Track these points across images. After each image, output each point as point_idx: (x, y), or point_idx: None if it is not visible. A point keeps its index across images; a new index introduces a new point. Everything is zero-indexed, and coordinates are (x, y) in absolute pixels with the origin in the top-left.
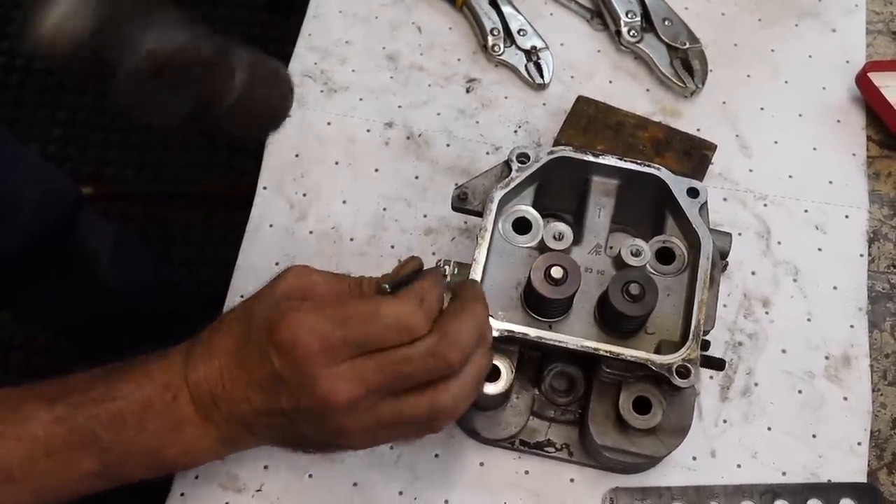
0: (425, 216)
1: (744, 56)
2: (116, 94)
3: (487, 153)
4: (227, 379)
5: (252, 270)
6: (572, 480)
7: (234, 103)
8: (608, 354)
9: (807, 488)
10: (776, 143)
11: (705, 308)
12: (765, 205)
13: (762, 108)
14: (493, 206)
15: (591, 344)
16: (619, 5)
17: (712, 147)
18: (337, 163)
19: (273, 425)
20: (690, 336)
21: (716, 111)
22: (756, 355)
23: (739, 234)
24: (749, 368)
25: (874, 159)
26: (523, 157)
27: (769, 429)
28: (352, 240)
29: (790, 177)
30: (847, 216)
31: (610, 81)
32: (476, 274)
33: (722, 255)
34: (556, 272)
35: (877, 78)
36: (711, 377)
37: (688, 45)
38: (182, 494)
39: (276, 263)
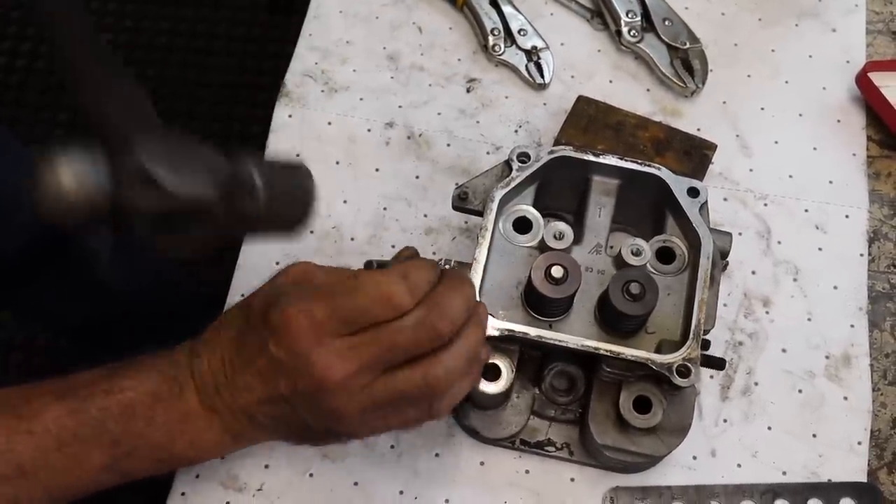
0: (426, 216)
1: (744, 56)
2: (139, 237)
3: (488, 153)
4: (229, 369)
5: (253, 270)
6: (573, 480)
7: (260, 219)
8: (608, 354)
9: (807, 488)
10: (776, 142)
11: (705, 307)
12: (765, 204)
13: (762, 108)
14: (494, 206)
15: (592, 343)
16: (620, 5)
17: (712, 147)
18: (338, 162)
19: (275, 415)
20: (691, 335)
21: (716, 111)
22: (756, 355)
23: (740, 234)
24: (749, 368)
25: (874, 159)
26: (524, 157)
27: (769, 428)
28: (352, 239)
29: (790, 176)
30: (847, 216)
31: (610, 81)
32: (477, 273)
33: (722, 255)
34: (557, 271)
35: (877, 78)
36: (712, 376)
37: (688, 45)
38: (183, 494)
39: (277, 263)
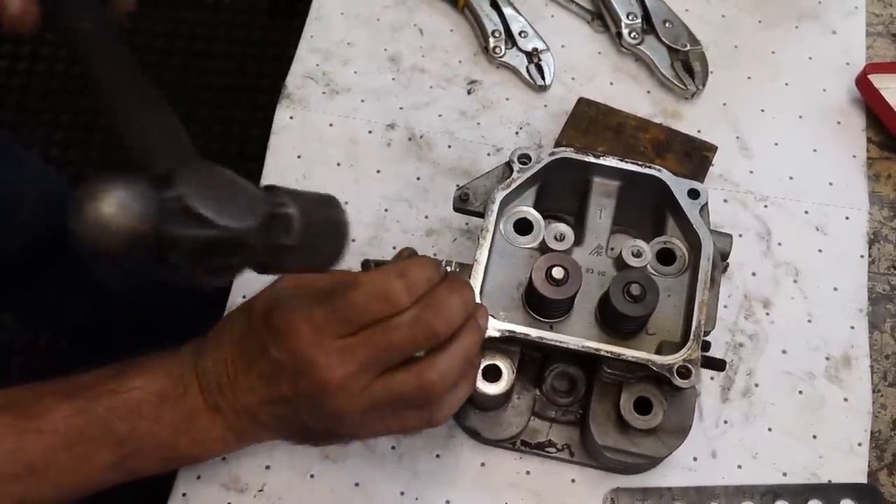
0: (427, 217)
1: (744, 58)
2: (173, 269)
3: (489, 154)
4: (232, 370)
5: (253, 272)
6: (573, 481)
7: (295, 250)
8: (609, 355)
9: (807, 489)
10: (776, 144)
11: (706, 309)
12: (765, 206)
13: (762, 110)
14: (495, 207)
15: (593, 344)
16: (620, 7)
17: (713, 148)
18: (339, 164)
19: (278, 415)
20: (691, 337)
21: (716, 113)
22: (756, 356)
23: (740, 236)
24: (750, 369)
25: (874, 161)
26: (524, 159)
27: (770, 429)
28: (353, 241)
29: (790, 178)
30: (847, 217)
31: (611, 83)
32: (478, 274)
33: (722, 257)
34: (558, 273)
35: (877, 80)
36: (712, 378)
37: (688, 47)
38: (184, 495)
39: None
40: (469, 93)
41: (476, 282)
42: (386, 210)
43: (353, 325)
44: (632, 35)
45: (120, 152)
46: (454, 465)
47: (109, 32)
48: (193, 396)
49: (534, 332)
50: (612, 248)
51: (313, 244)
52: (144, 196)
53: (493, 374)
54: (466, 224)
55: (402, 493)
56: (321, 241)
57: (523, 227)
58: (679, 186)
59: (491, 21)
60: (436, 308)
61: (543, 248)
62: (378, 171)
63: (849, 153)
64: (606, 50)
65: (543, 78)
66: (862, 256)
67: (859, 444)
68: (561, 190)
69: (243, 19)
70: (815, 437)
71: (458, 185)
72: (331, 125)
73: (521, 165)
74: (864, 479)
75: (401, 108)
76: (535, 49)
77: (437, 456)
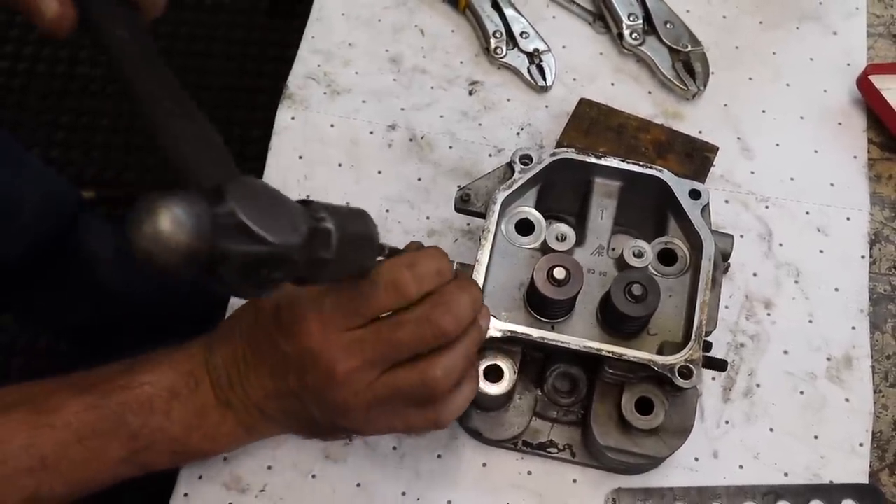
0: (428, 218)
1: (745, 59)
2: (222, 282)
3: (490, 155)
4: (242, 364)
5: None
6: (575, 481)
7: (331, 262)
8: (611, 355)
9: (809, 489)
10: (778, 145)
11: (707, 309)
12: (766, 207)
13: (763, 111)
14: (496, 208)
15: (594, 345)
16: (621, 8)
17: (714, 149)
18: (340, 165)
19: (285, 409)
20: (692, 337)
21: (717, 113)
22: (758, 356)
23: (741, 236)
24: (751, 369)
25: (875, 162)
26: (526, 159)
27: (771, 430)
28: None
29: (792, 179)
30: (848, 218)
31: (612, 84)
32: (479, 275)
33: (724, 257)
34: (559, 273)
35: (878, 80)
36: (713, 378)
37: (689, 48)
38: (186, 494)
39: None
40: (470, 94)
41: (477, 281)
42: (387, 211)
43: (362, 317)
44: (633, 36)
45: (120, 153)
46: (456, 466)
47: (144, 40)
48: (205, 392)
49: (535, 333)
50: (614, 249)
51: (347, 257)
52: (199, 212)
53: (494, 375)
54: (468, 225)
55: (403, 494)
56: (354, 254)
57: (525, 227)
58: (680, 187)
59: (492, 22)
60: (445, 306)
61: (545, 249)
62: (379, 172)
63: (850, 154)
64: (608, 51)
65: (545, 79)
66: (863, 257)
67: (861, 445)
68: (562, 190)
69: (243, 20)
70: (816, 437)
71: (459, 186)
72: (332, 126)
73: (522, 166)
74: (865, 480)
75: (402, 109)
76: (537, 50)
77: (439, 456)
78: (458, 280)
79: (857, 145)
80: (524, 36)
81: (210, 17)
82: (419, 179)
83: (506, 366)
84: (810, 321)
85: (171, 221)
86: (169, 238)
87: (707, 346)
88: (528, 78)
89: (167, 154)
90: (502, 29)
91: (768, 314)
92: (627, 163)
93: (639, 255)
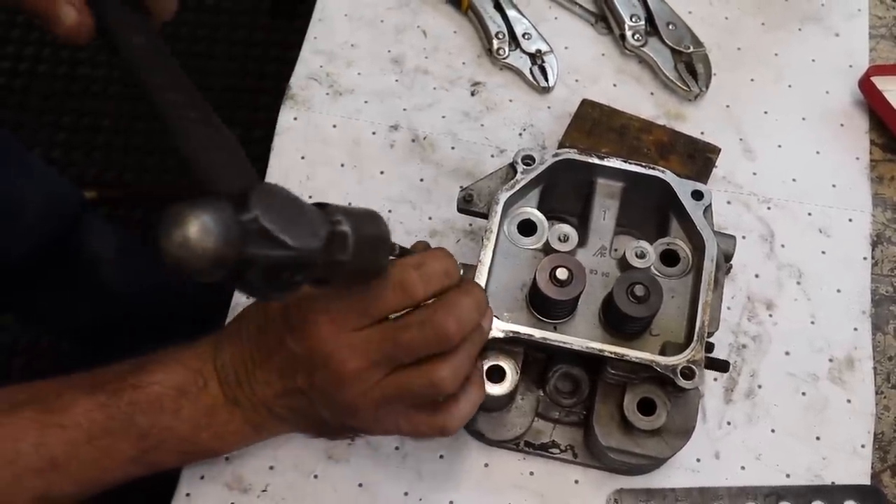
0: (430, 218)
1: (747, 60)
2: (248, 286)
3: (492, 156)
4: (250, 363)
5: None
6: (577, 482)
7: (348, 264)
8: (613, 356)
9: (810, 490)
10: (780, 146)
11: (709, 310)
12: (768, 208)
13: (766, 112)
14: (499, 208)
15: (596, 345)
16: (624, 9)
17: (716, 150)
18: (342, 165)
19: (293, 407)
20: (695, 338)
21: (719, 115)
22: (760, 357)
23: (743, 237)
24: (753, 370)
25: (877, 163)
26: (528, 160)
27: (773, 431)
28: None
29: (794, 180)
30: (850, 219)
31: (614, 85)
32: (481, 275)
33: (726, 258)
34: (562, 273)
35: (880, 82)
36: (715, 379)
37: (692, 49)
38: (188, 494)
39: None
40: (472, 94)
41: (480, 283)
42: (389, 211)
43: (370, 316)
44: (635, 37)
45: (122, 153)
46: (458, 466)
47: (160, 46)
48: (213, 390)
49: (537, 333)
50: (616, 249)
51: (363, 258)
52: (226, 219)
53: (496, 375)
54: (470, 225)
55: (405, 494)
56: (369, 254)
57: (527, 228)
58: (683, 188)
59: (494, 23)
60: (448, 309)
61: (547, 249)
62: (381, 173)
63: (852, 155)
64: (610, 52)
65: (547, 79)
66: (865, 258)
67: (862, 446)
68: (564, 191)
69: (244, 20)
70: (818, 438)
71: (461, 187)
72: (334, 126)
73: (524, 167)
74: (867, 481)
75: (404, 110)
76: (539, 51)
77: (441, 456)
78: (463, 284)
79: (860, 147)
80: (526, 37)
81: (212, 18)
82: (421, 180)
83: (508, 366)
84: (812, 322)
85: (199, 229)
86: (197, 245)
87: (709, 347)
88: (531, 79)
89: (189, 161)
90: (504, 30)
91: (770, 315)
92: (630, 164)
93: (641, 255)
